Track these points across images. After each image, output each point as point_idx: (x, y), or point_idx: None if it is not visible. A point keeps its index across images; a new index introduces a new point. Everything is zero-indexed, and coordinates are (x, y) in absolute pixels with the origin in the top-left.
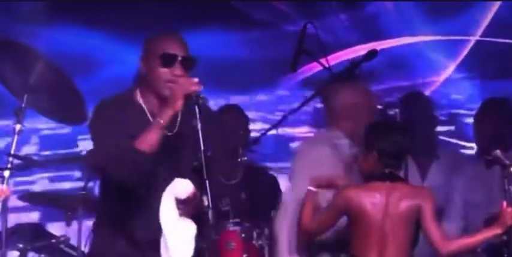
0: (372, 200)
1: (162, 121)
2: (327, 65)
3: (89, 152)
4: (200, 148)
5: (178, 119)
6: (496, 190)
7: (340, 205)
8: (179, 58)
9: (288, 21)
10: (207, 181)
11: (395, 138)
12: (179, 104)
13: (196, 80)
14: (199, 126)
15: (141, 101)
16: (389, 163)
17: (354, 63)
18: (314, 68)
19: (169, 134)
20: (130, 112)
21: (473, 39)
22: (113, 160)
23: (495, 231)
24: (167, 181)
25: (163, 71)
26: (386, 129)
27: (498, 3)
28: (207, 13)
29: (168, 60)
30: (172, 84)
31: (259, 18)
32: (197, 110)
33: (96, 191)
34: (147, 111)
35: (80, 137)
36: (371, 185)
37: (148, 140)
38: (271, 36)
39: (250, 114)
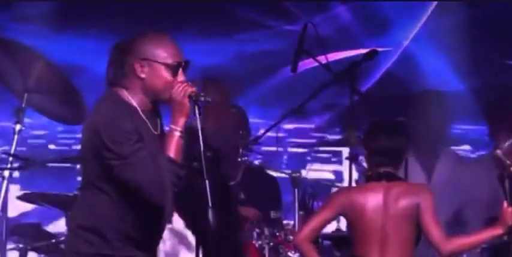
0: (369, 200)
1: (179, 129)
2: (326, 65)
3: (121, 166)
4: (200, 148)
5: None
6: (499, 190)
7: (336, 205)
8: (182, 64)
9: (291, 19)
10: (207, 181)
11: (381, 137)
12: (187, 108)
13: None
14: (199, 126)
15: (133, 102)
16: (377, 161)
17: (354, 63)
18: (309, 64)
19: (155, 133)
20: (134, 117)
21: None
22: (154, 174)
23: (496, 231)
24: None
25: (171, 79)
26: (375, 129)
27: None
28: (203, 13)
29: (177, 69)
30: (172, 91)
31: (258, 17)
32: (197, 110)
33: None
34: (141, 113)
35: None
36: (367, 185)
37: (176, 150)
38: (270, 35)
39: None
